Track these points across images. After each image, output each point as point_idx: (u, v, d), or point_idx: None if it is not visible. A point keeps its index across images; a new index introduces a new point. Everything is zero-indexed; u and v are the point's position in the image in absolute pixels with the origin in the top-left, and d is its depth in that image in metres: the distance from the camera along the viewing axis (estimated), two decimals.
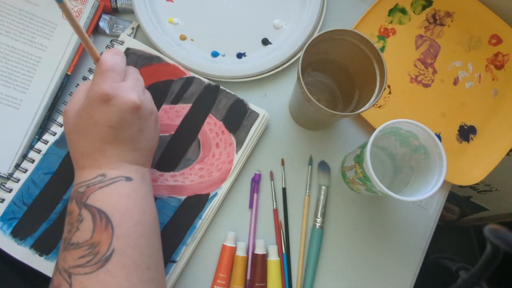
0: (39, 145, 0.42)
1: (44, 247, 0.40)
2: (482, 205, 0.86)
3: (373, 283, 0.46)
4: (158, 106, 0.45)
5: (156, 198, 0.43)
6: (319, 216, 0.46)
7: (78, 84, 0.45)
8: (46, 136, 0.43)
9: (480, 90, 0.51)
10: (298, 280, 0.44)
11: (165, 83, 0.46)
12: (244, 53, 0.49)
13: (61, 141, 0.43)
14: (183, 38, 0.49)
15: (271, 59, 0.48)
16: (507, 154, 0.48)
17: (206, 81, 0.46)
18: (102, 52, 0.34)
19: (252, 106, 0.46)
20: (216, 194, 0.44)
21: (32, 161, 0.42)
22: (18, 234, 0.40)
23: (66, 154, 0.43)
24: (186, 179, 0.44)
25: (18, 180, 0.41)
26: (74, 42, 0.45)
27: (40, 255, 0.40)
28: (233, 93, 0.46)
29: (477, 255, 0.94)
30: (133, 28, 0.49)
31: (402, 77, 0.51)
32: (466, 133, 0.50)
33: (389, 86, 0.50)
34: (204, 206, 0.43)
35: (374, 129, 0.37)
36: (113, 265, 0.28)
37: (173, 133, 0.45)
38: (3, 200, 0.41)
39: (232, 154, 0.45)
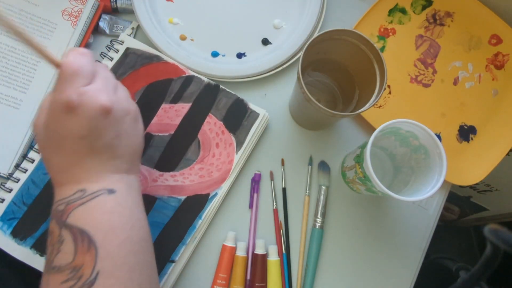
0: None
1: (44, 247, 0.40)
2: (482, 205, 0.86)
3: (373, 283, 0.46)
4: (158, 105, 0.45)
5: (156, 198, 0.43)
6: (319, 216, 0.46)
7: None
8: None
9: (480, 90, 0.51)
10: (298, 280, 0.44)
11: (164, 82, 0.46)
12: (244, 53, 0.49)
13: None
14: (183, 38, 0.49)
15: (271, 59, 0.48)
16: (507, 154, 0.48)
17: (206, 80, 0.46)
18: (70, 53, 0.30)
19: (252, 106, 0.46)
20: (216, 194, 0.44)
21: (32, 161, 0.42)
22: (18, 234, 0.40)
23: None
24: (186, 179, 0.44)
25: (18, 180, 0.41)
26: (74, 42, 0.45)
27: (41, 255, 0.40)
28: (233, 92, 0.46)
29: (477, 255, 0.94)
30: (133, 28, 0.49)
31: (402, 77, 0.51)
32: (466, 133, 0.50)
33: (389, 86, 0.50)
34: (204, 206, 0.43)
35: (374, 129, 0.37)
36: None
37: (172, 132, 0.45)
38: (3, 200, 0.41)
39: (232, 154, 0.45)
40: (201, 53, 0.49)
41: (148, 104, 0.45)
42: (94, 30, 0.48)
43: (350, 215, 0.47)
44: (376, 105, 0.50)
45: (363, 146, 0.39)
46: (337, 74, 0.46)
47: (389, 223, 0.48)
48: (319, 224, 0.45)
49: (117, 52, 0.46)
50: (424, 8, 0.52)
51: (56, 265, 0.27)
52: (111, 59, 0.46)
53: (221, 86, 0.46)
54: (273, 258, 0.43)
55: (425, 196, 0.36)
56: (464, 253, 0.95)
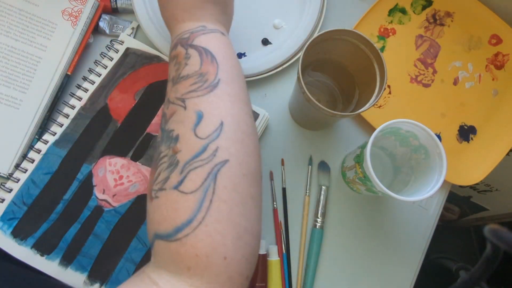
0: (39, 145, 0.42)
1: (45, 247, 0.40)
2: (482, 205, 0.86)
3: (373, 283, 0.46)
4: (158, 106, 0.45)
5: None
6: (319, 216, 0.46)
7: (78, 85, 0.45)
8: (46, 136, 0.43)
9: (480, 90, 0.51)
10: (298, 280, 0.44)
11: (164, 83, 0.46)
12: (244, 53, 0.49)
13: (61, 141, 0.43)
14: None
15: (271, 59, 0.48)
16: (507, 154, 0.48)
17: None
18: None
19: (252, 106, 0.46)
20: None
21: (32, 161, 0.42)
22: (18, 234, 0.40)
23: (66, 154, 0.43)
24: None
25: (18, 180, 0.41)
26: (74, 42, 0.45)
27: (41, 255, 0.40)
28: None
29: (477, 255, 0.94)
30: (133, 28, 0.49)
31: (402, 77, 0.51)
32: (466, 133, 0.50)
33: (389, 86, 0.50)
34: None
35: (374, 129, 0.37)
36: (221, 90, 0.30)
37: None
38: (3, 200, 0.41)
39: None
40: None
41: (148, 105, 0.45)
42: (94, 30, 0.48)
43: (350, 215, 0.47)
44: (376, 105, 0.50)
45: (363, 146, 0.39)
46: (337, 74, 0.46)
47: (389, 223, 0.48)
48: (319, 224, 0.45)
49: (117, 52, 0.46)
50: (424, 8, 0.52)
51: (184, 74, 0.32)
52: (111, 59, 0.46)
53: None
54: (273, 258, 0.43)
55: (425, 196, 0.36)
56: (464, 253, 0.95)
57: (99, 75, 0.45)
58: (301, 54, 0.37)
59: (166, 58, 0.46)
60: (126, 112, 0.45)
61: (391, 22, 0.52)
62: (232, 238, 0.26)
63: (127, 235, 0.42)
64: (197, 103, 0.30)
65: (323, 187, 0.46)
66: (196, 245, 0.25)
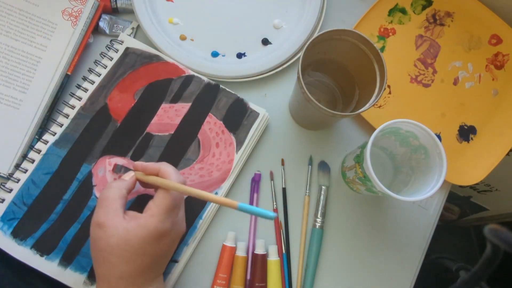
0: (39, 145, 0.42)
1: (44, 247, 0.40)
2: (482, 205, 0.86)
3: (373, 283, 0.46)
4: (158, 105, 0.45)
5: None
6: (319, 216, 0.46)
7: (78, 85, 0.45)
8: (46, 136, 0.43)
9: (480, 90, 0.51)
10: (298, 280, 0.44)
11: (164, 82, 0.46)
12: (244, 53, 0.49)
13: (61, 141, 0.43)
14: (183, 38, 0.49)
15: (271, 59, 0.48)
16: (507, 154, 0.48)
17: (205, 79, 0.46)
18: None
19: (252, 105, 0.46)
20: (216, 194, 0.44)
21: (32, 161, 0.42)
22: (18, 234, 0.40)
23: (66, 154, 0.43)
24: (186, 179, 0.44)
25: (18, 180, 0.41)
26: (74, 42, 0.45)
27: (41, 256, 0.40)
28: (233, 92, 0.46)
29: (477, 255, 0.94)
30: (133, 28, 0.49)
31: (402, 77, 0.51)
32: (466, 133, 0.50)
33: (389, 86, 0.50)
34: (205, 206, 0.43)
35: (374, 129, 0.37)
36: None
37: (172, 132, 0.45)
38: (3, 200, 0.41)
39: (232, 154, 0.45)
40: (201, 53, 0.49)
41: (148, 104, 0.45)
42: (94, 30, 0.48)
43: (350, 215, 0.47)
44: (376, 105, 0.50)
45: (363, 146, 0.39)
46: (337, 74, 0.46)
47: (389, 223, 0.48)
48: (319, 224, 0.45)
49: (116, 52, 0.46)
50: (424, 8, 0.52)
51: None
52: (111, 58, 0.46)
53: (221, 86, 0.46)
54: (273, 258, 0.43)
55: (425, 196, 0.36)
56: (464, 253, 0.95)
57: (99, 74, 0.45)
58: (301, 54, 0.37)
59: (166, 58, 0.46)
60: (126, 111, 0.45)
61: (391, 22, 0.52)
62: None
63: None
64: None
65: (323, 187, 0.46)
66: None
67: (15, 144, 0.42)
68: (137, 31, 0.49)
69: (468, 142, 0.50)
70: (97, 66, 0.46)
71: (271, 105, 0.48)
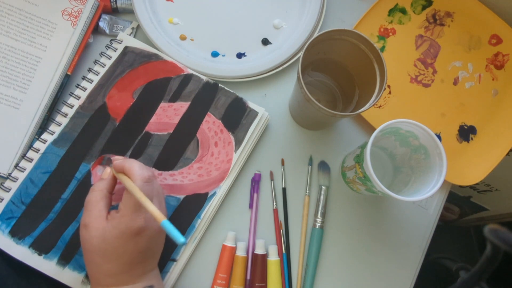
0: (37, 144, 0.42)
1: (43, 246, 0.40)
2: (482, 205, 0.86)
3: (373, 283, 0.46)
4: (156, 104, 0.45)
5: None
6: (319, 216, 0.45)
7: (78, 85, 0.44)
8: (45, 136, 0.43)
9: (480, 90, 0.51)
10: (298, 280, 0.44)
11: (163, 81, 0.46)
12: (244, 53, 0.49)
13: (60, 140, 0.43)
14: (183, 38, 0.49)
15: (271, 59, 0.48)
16: (507, 154, 0.48)
17: (204, 78, 0.46)
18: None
19: (251, 104, 0.46)
20: (215, 193, 0.44)
21: (31, 160, 0.42)
22: (17, 233, 0.40)
23: (65, 153, 0.42)
24: (185, 178, 0.44)
25: (17, 179, 0.41)
26: (74, 42, 0.45)
27: (39, 254, 0.40)
28: (232, 91, 0.46)
29: (477, 255, 0.94)
30: (133, 28, 0.49)
31: (402, 77, 0.51)
32: (466, 133, 0.50)
33: (389, 86, 0.50)
34: (203, 206, 0.43)
35: (374, 129, 0.37)
36: None
37: (171, 131, 0.45)
38: (1, 200, 0.41)
39: (231, 153, 0.45)
40: (201, 53, 0.49)
41: (146, 103, 0.45)
42: (94, 30, 0.48)
43: (350, 215, 0.47)
44: (376, 105, 0.50)
45: (363, 146, 0.39)
46: (337, 74, 0.46)
47: (389, 223, 0.47)
48: (319, 224, 0.45)
49: (115, 51, 0.46)
50: (424, 8, 0.52)
51: None
52: (110, 57, 0.46)
53: (219, 85, 0.46)
54: (273, 258, 0.43)
55: (425, 196, 0.36)
56: (464, 253, 0.95)
57: (97, 73, 0.45)
58: (301, 54, 0.37)
59: (165, 56, 0.46)
60: (125, 110, 0.45)
61: (391, 22, 0.52)
62: None
63: None
64: None
65: (323, 187, 0.46)
66: None
67: (15, 144, 0.42)
68: (137, 31, 0.49)
69: (468, 142, 0.50)
70: (95, 65, 0.45)
71: (271, 105, 0.48)
